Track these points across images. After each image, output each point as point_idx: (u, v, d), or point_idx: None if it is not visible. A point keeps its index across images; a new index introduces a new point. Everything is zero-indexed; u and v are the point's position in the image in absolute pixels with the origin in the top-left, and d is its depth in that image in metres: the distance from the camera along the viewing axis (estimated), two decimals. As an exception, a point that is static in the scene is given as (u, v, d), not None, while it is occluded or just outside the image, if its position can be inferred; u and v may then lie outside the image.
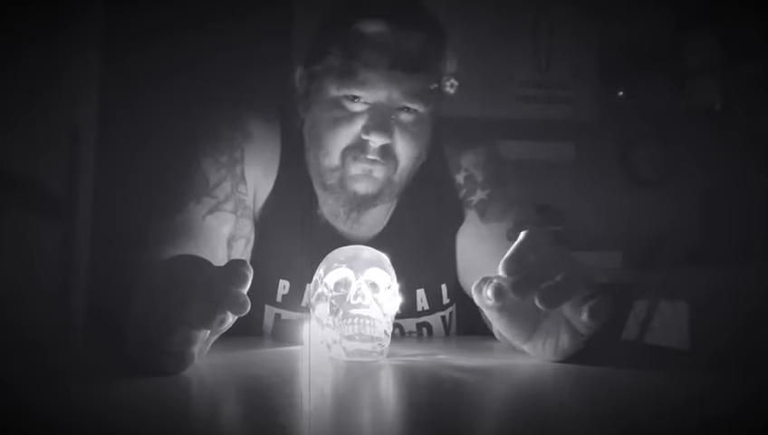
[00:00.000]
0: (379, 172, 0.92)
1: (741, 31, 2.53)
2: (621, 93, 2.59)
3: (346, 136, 0.91)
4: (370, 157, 0.91)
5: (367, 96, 0.90)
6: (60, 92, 1.83)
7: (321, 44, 0.94)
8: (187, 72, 2.22)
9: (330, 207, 0.98)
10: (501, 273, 0.65)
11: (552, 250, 0.67)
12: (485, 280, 0.67)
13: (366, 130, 0.90)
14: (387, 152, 0.91)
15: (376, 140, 0.90)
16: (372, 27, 0.90)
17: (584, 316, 0.64)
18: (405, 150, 0.93)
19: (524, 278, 0.63)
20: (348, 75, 0.90)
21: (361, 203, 0.94)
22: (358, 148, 0.91)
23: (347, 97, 0.91)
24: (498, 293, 0.65)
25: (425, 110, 0.93)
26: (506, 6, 2.51)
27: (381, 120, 0.90)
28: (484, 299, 0.67)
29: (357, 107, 0.91)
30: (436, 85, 0.92)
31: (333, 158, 0.93)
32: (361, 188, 0.93)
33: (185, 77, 2.21)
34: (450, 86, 0.93)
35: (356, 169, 0.92)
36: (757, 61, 2.51)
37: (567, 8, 2.54)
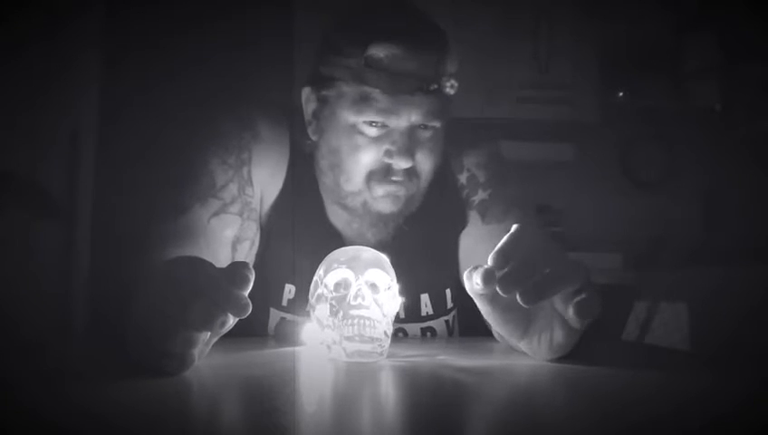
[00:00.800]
0: (402, 191, 0.92)
1: (741, 31, 2.53)
2: (621, 94, 2.59)
3: (369, 162, 0.91)
4: (395, 178, 0.91)
5: (387, 121, 0.90)
6: (60, 92, 1.83)
7: (332, 69, 0.92)
8: (187, 73, 2.22)
9: (356, 230, 0.97)
10: (489, 264, 0.65)
11: (541, 246, 0.67)
12: (476, 268, 0.67)
13: (389, 154, 0.90)
14: (410, 172, 0.92)
15: (401, 164, 0.90)
16: (386, 51, 0.88)
17: (570, 312, 0.64)
18: (426, 166, 0.93)
19: (509, 274, 0.63)
20: (366, 102, 0.89)
21: (387, 222, 0.95)
22: (381, 172, 0.91)
23: (366, 123, 0.90)
24: (487, 278, 0.64)
25: (441, 124, 0.93)
26: (507, 7, 2.51)
27: (403, 143, 0.90)
28: (473, 285, 0.67)
29: (377, 132, 0.90)
30: (436, 86, 0.92)
31: (356, 183, 0.93)
32: (387, 208, 0.93)
33: (185, 77, 2.21)
34: (450, 87, 0.92)
35: (380, 190, 0.92)
36: (757, 61, 2.51)
37: (567, 8, 2.54)
